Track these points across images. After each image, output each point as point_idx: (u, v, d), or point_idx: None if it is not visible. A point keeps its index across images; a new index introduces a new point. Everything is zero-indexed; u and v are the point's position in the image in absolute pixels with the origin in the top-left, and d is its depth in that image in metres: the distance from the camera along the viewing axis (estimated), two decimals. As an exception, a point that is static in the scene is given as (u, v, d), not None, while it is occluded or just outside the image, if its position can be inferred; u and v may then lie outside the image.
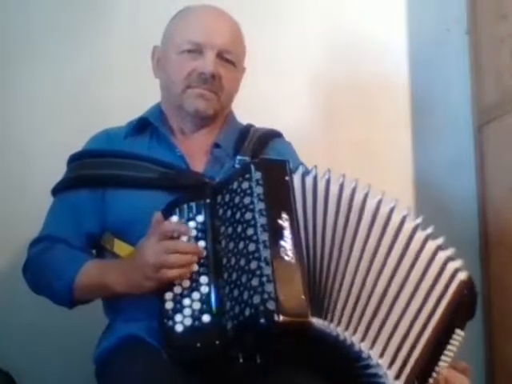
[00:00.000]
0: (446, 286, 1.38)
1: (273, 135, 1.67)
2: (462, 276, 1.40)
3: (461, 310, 1.40)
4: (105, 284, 1.41)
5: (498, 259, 1.99)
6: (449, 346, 1.37)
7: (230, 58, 1.56)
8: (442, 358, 1.36)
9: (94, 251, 1.58)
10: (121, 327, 1.45)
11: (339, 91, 2.12)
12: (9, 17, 2.07)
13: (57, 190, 1.58)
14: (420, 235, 1.40)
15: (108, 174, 1.53)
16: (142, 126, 1.61)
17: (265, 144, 1.61)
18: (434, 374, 1.34)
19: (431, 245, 1.40)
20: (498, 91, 1.99)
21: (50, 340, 1.96)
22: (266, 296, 1.21)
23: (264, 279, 1.23)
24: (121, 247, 1.47)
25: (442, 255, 1.40)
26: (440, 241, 1.41)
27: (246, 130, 1.64)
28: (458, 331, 1.39)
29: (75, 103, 2.03)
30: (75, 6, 2.07)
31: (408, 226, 1.39)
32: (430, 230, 1.41)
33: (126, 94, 2.00)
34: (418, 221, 1.41)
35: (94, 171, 1.54)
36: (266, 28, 2.09)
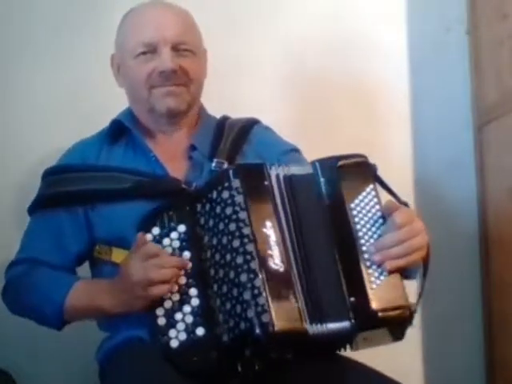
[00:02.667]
0: (315, 199, 1.35)
1: (249, 126, 1.63)
2: (308, 172, 1.37)
3: (334, 191, 1.34)
4: (99, 307, 1.41)
5: (498, 259, 1.99)
6: (360, 223, 1.31)
7: (187, 48, 1.54)
8: (362, 241, 1.30)
9: (86, 263, 1.57)
10: (124, 330, 1.45)
11: (338, 91, 2.12)
12: (9, 17, 2.07)
13: (33, 209, 1.56)
14: None
15: (84, 190, 1.51)
16: (116, 131, 1.58)
17: (242, 141, 1.58)
18: (368, 263, 1.28)
19: None
20: (498, 91, 1.99)
21: (50, 340, 1.95)
22: (259, 309, 1.21)
23: (255, 292, 1.22)
24: (120, 255, 1.45)
25: None
26: None
27: (222, 127, 1.60)
28: (356, 201, 1.32)
29: (76, 103, 2.03)
30: (75, 5, 2.07)
31: None
32: None
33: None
34: None
35: (69, 188, 1.52)
36: (262, 25, 2.09)
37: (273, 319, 1.20)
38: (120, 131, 1.58)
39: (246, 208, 1.28)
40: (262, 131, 1.65)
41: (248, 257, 1.25)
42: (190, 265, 1.33)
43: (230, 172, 1.32)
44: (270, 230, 1.28)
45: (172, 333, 1.30)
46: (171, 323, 1.30)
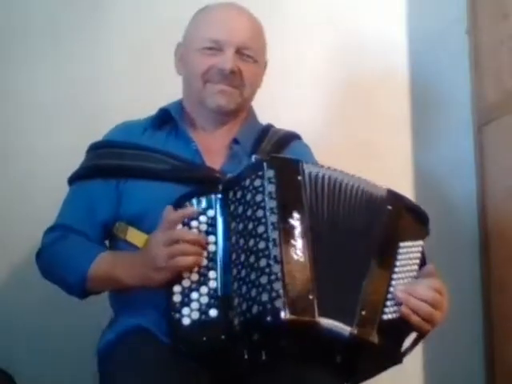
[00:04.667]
0: (372, 216, 1.38)
1: (292, 137, 1.69)
2: (379, 194, 1.40)
3: (393, 222, 1.38)
4: (116, 277, 1.42)
5: (498, 259, 1.99)
6: (400, 262, 1.35)
7: (250, 54, 1.59)
8: (395, 276, 1.34)
9: (107, 242, 1.58)
10: (127, 319, 1.46)
11: (340, 92, 2.13)
12: (10, 17, 2.07)
13: (73, 179, 1.60)
14: None
15: (121, 165, 1.55)
16: (162, 118, 1.63)
17: (283, 146, 1.63)
18: (390, 296, 1.32)
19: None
20: (498, 91, 1.99)
21: (51, 340, 1.96)
22: (274, 294, 1.22)
23: (273, 277, 1.23)
24: (134, 235, 1.48)
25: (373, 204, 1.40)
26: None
27: (266, 130, 1.66)
28: (407, 243, 1.37)
29: (76, 105, 2.03)
30: (76, 7, 2.07)
31: None
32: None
33: (127, 95, 2.00)
34: None
35: (109, 161, 1.57)
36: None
37: (286, 306, 1.21)
38: (166, 119, 1.63)
39: (277, 197, 1.30)
40: (301, 146, 1.70)
41: (270, 243, 1.26)
42: (213, 248, 1.34)
43: (265, 162, 1.35)
44: (296, 222, 1.30)
45: (185, 311, 1.30)
46: (186, 301, 1.31)
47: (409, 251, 1.38)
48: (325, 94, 2.12)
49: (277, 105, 2.06)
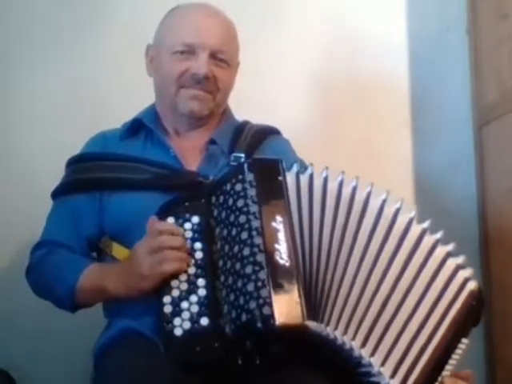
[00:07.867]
0: (456, 296, 1.37)
1: (269, 132, 1.66)
2: (471, 286, 1.39)
3: (469, 319, 1.38)
4: (104, 288, 1.42)
5: (498, 259, 1.99)
6: (454, 355, 1.36)
7: (223, 58, 1.56)
8: (446, 367, 1.35)
9: (94, 254, 1.58)
10: (121, 323, 1.46)
11: (339, 91, 2.13)
12: (10, 17, 2.07)
13: (55, 195, 1.59)
14: (428, 240, 1.38)
15: (103, 178, 1.53)
16: (136, 127, 1.61)
17: (260, 141, 1.61)
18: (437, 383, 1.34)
19: (440, 251, 1.38)
20: (498, 91, 1.99)
21: (51, 340, 1.96)
22: (261, 301, 1.21)
23: (259, 284, 1.22)
24: (119, 251, 1.48)
25: (451, 263, 1.38)
26: (450, 247, 1.39)
27: (242, 127, 1.63)
28: (463, 340, 1.38)
29: (76, 104, 2.04)
30: (76, 6, 2.07)
31: (415, 230, 1.37)
32: (439, 235, 1.39)
33: (127, 94, 2.00)
34: (426, 225, 1.39)
35: (90, 175, 1.55)
36: (266, 27, 2.09)
37: (274, 312, 1.20)
38: (140, 127, 1.61)
39: (258, 201, 1.29)
40: (279, 140, 1.68)
41: (255, 249, 1.25)
42: (200, 255, 1.34)
43: (245, 165, 1.33)
44: (279, 225, 1.28)
45: (177, 321, 1.30)
46: (177, 311, 1.31)
47: (460, 347, 1.37)
48: (325, 94, 2.13)
49: (275, 104, 2.06)
